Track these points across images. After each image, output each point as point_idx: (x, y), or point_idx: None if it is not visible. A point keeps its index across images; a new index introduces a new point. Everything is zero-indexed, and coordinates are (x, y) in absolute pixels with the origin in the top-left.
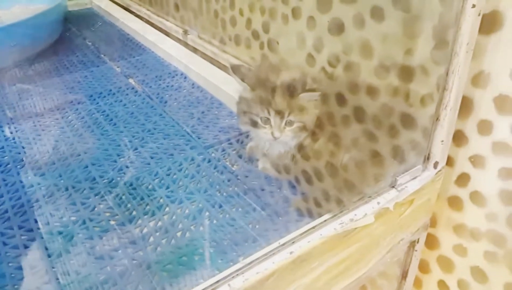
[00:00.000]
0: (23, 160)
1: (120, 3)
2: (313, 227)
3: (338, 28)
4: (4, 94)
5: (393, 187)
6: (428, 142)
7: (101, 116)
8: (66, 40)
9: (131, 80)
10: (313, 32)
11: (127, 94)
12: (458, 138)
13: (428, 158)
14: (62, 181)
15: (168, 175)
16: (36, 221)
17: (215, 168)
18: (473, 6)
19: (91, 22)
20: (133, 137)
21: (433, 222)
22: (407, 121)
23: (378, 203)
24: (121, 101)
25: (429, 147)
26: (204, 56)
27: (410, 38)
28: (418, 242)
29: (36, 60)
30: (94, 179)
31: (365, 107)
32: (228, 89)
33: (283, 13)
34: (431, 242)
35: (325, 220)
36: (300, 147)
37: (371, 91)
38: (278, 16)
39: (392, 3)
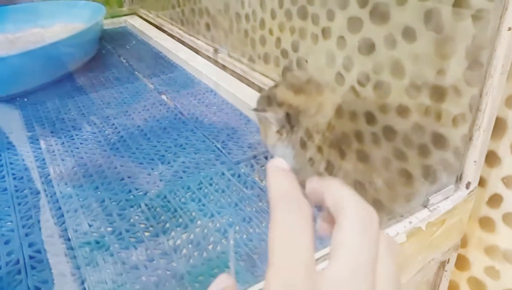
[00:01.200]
0: (62, 172)
1: (153, 23)
2: None
3: (368, 47)
4: (44, 109)
5: (425, 206)
6: (460, 162)
7: (136, 131)
8: (102, 57)
9: (163, 96)
10: (343, 52)
11: (160, 110)
12: (491, 158)
13: (460, 178)
14: (99, 192)
15: (200, 189)
16: (75, 231)
17: (244, 183)
18: (509, 29)
19: (126, 40)
20: (166, 151)
21: (463, 243)
22: (439, 140)
23: (410, 222)
24: (154, 116)
25: (461, 168)
26: (234, 73)
27: (442, 59)
28: (448, 262)
29: (73, 77)
30: (130, 191)
31: (395, 126)
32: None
33: (312, 32)
34: (462, 263)
35: None
36: (328, 164)
37: (402, 110)
38: (308, 35)
39: (424, 24)
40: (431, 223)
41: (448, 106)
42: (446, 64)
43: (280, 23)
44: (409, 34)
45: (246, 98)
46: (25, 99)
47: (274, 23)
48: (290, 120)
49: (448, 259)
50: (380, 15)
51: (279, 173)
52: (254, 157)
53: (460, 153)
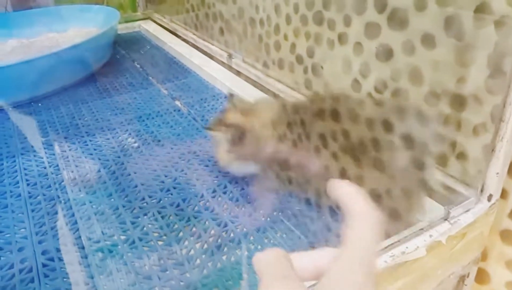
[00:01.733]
0: (76, 178)
1: (167, 27)
2: None
3: (386, 54)
4: (58, 114)
5: (445, 219)
6: (481, 173)
7: (150, 137)
8: (116, 62)
9: (177, 102)
10: (360, 58)
11: (174, 116)
12: None
13: (482, 191)
14: (112, 199)
15: (213, 197)
16: (88, 239)
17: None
18: None
19: (140, 45)
20: (179, 158)
21: (484, 256)
22: (459, 150)
23: (431, 236)
24: (168, 122)
25: (483, 179)
26: (248, 79)
27: (462, 66)
28: (468, 276)
29: (87, 82)
30: (143, 199)
31: (413, 134)
32: None
33: (328, 38)
34: (482, 277)
35: None
36: (343, 173)
37: (421, 118)
38: (324, 41)
39: (445, 31)
40: (451, 236)
41: (468, 115)
42: (466, 72)
43: (295, 29)
44: (428, 40)
45: None
46: (40, 104)
47: (289, 29)
48: (238, 138)
49: (468, 273)
50: (398, 21)
51: (349, 186)
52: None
53: (481, 164)
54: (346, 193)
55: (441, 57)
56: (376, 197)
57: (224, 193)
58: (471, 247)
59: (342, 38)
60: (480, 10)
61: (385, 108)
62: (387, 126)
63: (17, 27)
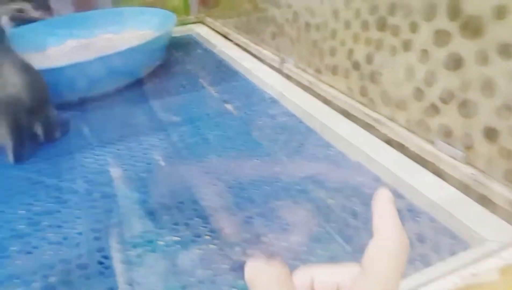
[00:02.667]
0: (131, 177)
1: (219, 31)
2: (430, 279)
3: (455, 63)
4: (113, 114)
5: None
6: None
7: (201, 139)
8: (168, 65)
9: (227, 105)
10: (425, 66)
11: (224, 119)
12: None
13: None
14: (166, 200)
15: (266, 203)
16: (142, 238)
17: (312, 201)
18: None
19: (192, 48)
20: (231, 162)
21: None
22: None
23: (504, 258)
24: (218, 125)
25: None
26: (299, 84)
27: None
28: None
29: (141, 83)
30: (196, 201)
31: (478, 146)
32: (324, 119)
33: (391, 45)
34: None
35: (443, 272)
36: None
37: (489, 131)
38: (386, 47)
39: None
40: None
41: None
42: None
43: (355, 34)
44: (506, 51)
45: (312, 110)
46: (95, 104)
47: (347, 34)
48: None
49: None
50: (473, 30)
51: (386, 202)
52: (322, 173)
53: None
54: (381, 209)
55: None
56: None
57: (276, 200)
58: None
59: (406, 45)
60: None
61: None
62: None
63: (76, 28)
